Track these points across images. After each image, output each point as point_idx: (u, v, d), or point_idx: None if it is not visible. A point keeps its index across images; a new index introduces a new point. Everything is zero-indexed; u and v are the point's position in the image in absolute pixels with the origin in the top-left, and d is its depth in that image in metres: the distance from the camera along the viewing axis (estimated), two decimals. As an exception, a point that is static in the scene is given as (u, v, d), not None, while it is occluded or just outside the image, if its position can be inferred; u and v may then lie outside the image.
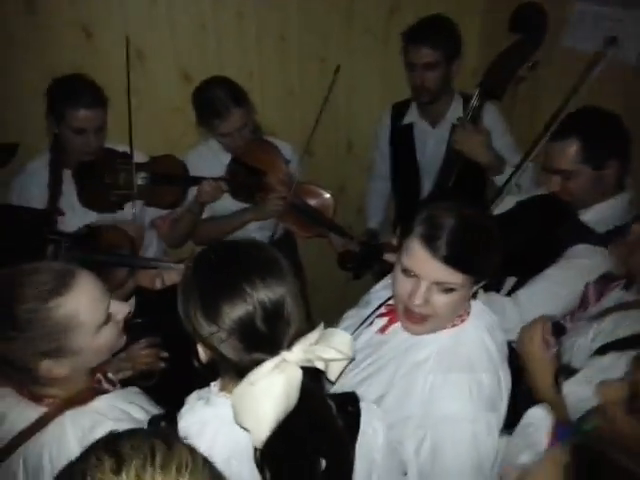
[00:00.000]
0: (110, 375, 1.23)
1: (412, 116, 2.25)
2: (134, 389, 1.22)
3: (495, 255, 1.09)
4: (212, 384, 0.97)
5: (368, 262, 1.69)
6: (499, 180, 1.91)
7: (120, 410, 1.08)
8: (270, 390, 0.80)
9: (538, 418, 1.12)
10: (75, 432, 1.01)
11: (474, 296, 1.19)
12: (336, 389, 1.22)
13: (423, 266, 1.05)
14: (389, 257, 1.60)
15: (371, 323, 1.30)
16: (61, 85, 1.77)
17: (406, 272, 1.09)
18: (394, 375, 1.16)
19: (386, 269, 1.83)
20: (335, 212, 2.18)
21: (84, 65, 2.01)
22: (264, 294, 0.85)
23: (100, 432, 0.97)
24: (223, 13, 2.12)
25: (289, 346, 0.86)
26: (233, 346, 0.85)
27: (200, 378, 0.97)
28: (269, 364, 0.82)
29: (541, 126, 2.06)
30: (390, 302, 1.30)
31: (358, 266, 1.66)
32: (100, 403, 1.08)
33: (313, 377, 0.90)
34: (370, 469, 0.99)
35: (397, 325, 1.21)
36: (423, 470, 1.08)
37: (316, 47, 2.32)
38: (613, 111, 1.49)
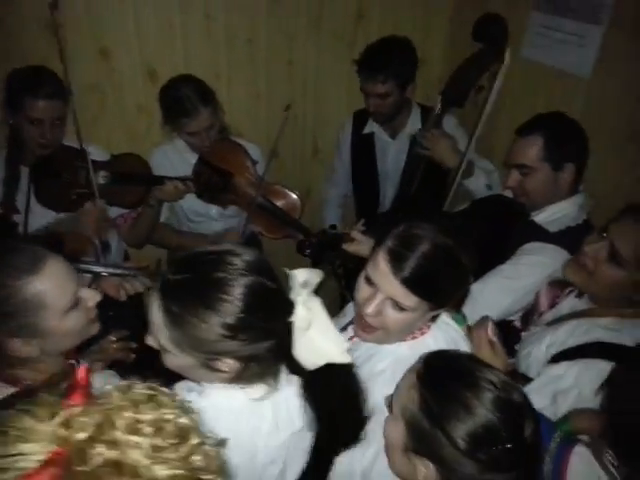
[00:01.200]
0: (82, 362, 1.23)
1: (372, 126, 2.29)
2: (110, 372, 1.23)
3: (458, 287, 1.10)
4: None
5: (326, 248, 1.71)
6: (470, 183, 1.97)
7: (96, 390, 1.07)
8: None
9: None
10: None
11: (434, 319, 1.18)
12: None
13: (383, 280, 1.04)
14: (347, 247, 1.62)
15: (345, 329, 1.31)
16: (22, 75, 1.72)
17: (368, 280, 1.09)
18: None
19: (344, 258, 1.86)
20: (301, 214, 2.19)
21: (46, 62, 1.96)
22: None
23: None
24: (191, 13, 2.10)
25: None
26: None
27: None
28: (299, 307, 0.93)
29: (501, 132, 2.16)
30: None
31: (316, 252, 1.67)
32: None
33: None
34: None
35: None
36: (365, 473, 1.09)
37: (284, 50, 2.33)
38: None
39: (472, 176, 1.96)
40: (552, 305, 1.48)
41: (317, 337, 0.91)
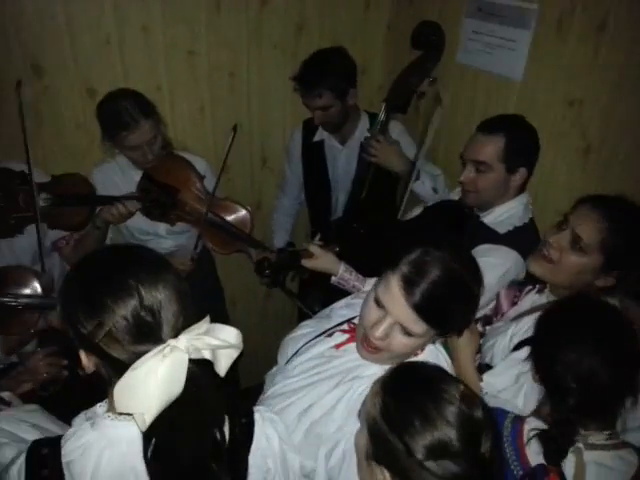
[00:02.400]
0: (3, 394, 1.18)
1: (322, 134, 2.32)
2: (30, 407, 1.14)
3: (468, 314, 1.12)
4: (98, 405, 0.95)
5: (285, 267, 1.70)
6: (416, 187, 2.01)
7: (6, 432, 1.00)
8: (155, 372, 0.79)
9: None
10: None
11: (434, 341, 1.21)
12: (275, 390, 1.23)
13: (394, 304, 1.05)
14: (306, 262, 1.63)
15: (331, 335, 1.31)
16: None
17: (378, 302, 1.09)
18: (333, 387, 1.17)
19: (303, 276, 1.86)
20: (253, 226, 2.17)
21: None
22: (148, 288, 0.85)
23: None
24: (128, 27, 2.06)
25: (175, 337, 0.85)
26: (119, 340, 0.84)
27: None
28: (153, 350, 0.81)
29: (442, 135, 2.22)
30: (355, 321, 1.30)
31: (275, 271, 1.67)
32: None
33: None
34: (265, 477, 1.01)
35: (352, 345, 1.22)
36: (332, 475, 1.09)
37: (225, 62, 2.32)
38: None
39: (419, 180, 2.01)
40: (512, 304, 1.53)
41: (143, 381, 0.80)
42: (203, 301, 2.43)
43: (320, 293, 2.26)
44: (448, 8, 2.15)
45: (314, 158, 2.36)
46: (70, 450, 0.89)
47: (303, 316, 2.23)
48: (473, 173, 1.62)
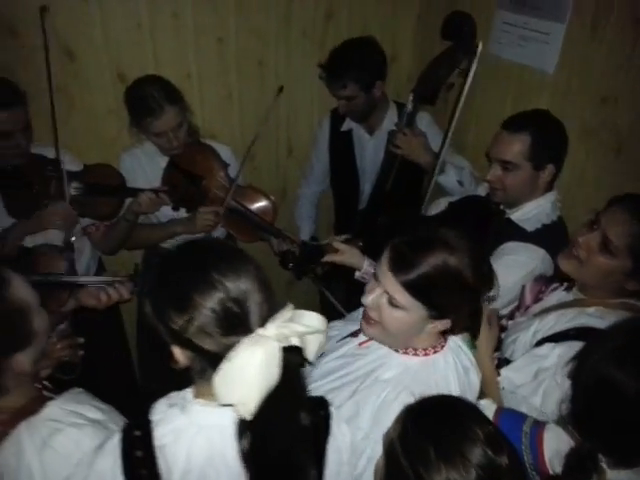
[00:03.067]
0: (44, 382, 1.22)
1: (350, 123, 2.30)
2: (77, 389, 1.20)
3: (460, 304, 1.11)
4: (186, 391, 0.97)
5: (309, 261, 1.71)
6: (441, 179, 1.99)
7: (75, 413, 1.07)
8: (250, 360, 0.81)
9: (484, 406, 1.20)
10: (33, 444, 0.99)
11: (449, 332, 1.19)
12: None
13: (381, 272, 1.11)
14: (330, 257, 1.64)
15: (356, 335, 1.32)
16: None
17: (375, 275, 1.15)
18: (352, 393, 1.18)
19: (328, 270, 1.87)
20: (276, 215, 2.18)
21: (8, 65, 1.92)
22: (233, 280, 0.87)
23: (60, 440, 1.00)
24: (159, 13, 2.07)
25: (262, 325, 0.87)
26: (210, 334, 0.86)
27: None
28: (245, 341, 0.83)
29: (471, 127, 2.19)
30: None
31: (299, 265, 1.68)
32: (52, 410, 1.06)
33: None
34: (339, 470, 1.02)
35: (374, 342, 1.24)
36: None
37: (254, 50, 2.32)
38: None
39: (444, 173, 1.99)
40: (536, 300, 1.52)
41: (242, 370, 0.82)
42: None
43: (343, 284, 2.27)
44: (481, -2, 2.10)
45: (342, 147, 2.35)
46: (162, 434, 0.91)
47: (326, 303, 2.25)
48: (500, 171, 1.60)
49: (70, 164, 1.85)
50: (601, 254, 1.27)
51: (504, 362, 1.43)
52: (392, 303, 1.09)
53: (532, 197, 1.63)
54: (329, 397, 1.15)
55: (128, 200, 1.96)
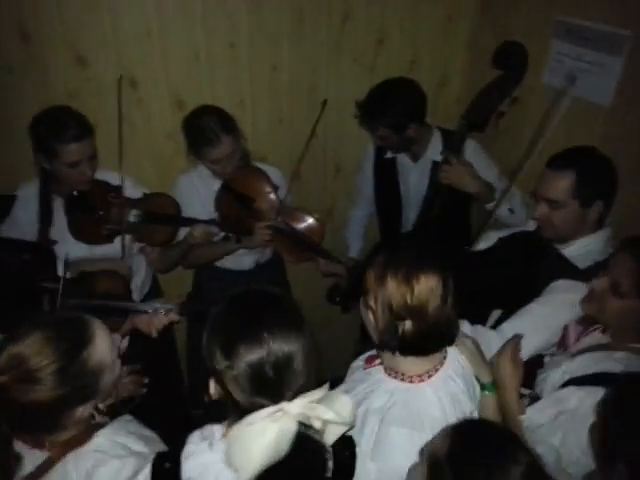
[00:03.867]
0: (100, 405, 1.26)
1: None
2: (127, 417, 1.25)
3: None
4: (218, 426, 1.02)
5: (354, 295, 1.75)
6: (491, 207, 1.99)
7: (120, 445, 1.12)
8: (262, 435, 0.86)
9: None
10: (78, 475, 1.05)
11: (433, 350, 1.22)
12: None
13: None
14: None
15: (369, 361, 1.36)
16: (45, 121, 1.73)
17: None
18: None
19: None
20: (324, 236, 2.23)
21: (79, 94, 2.06)
22: (279, 344, 0.92)
23: (103, 471, 1.04)
24: (216, 43, 2.17)
25: (292, 399, 0.91)
26: (241, 386, 0.92)
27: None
28: (268, 410, 0.88)
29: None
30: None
31: (345, 299, 1.72)
32: (100, 440, 1.12)
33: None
34: None
35: (374, 367, 1.28)
36: None
37: (305, 76, 2.38)
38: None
39: (494, 201, 1.98)
40: (577, 340, 1.51)
41: (250, 442, 0.87)
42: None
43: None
44: (534, 27, 2.09)
45: (386, 174, 2.38)
46: (190, 468, 0.97)
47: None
48: (546, 210, 1.58)
49: (131, 190, 1.95)
50: (612, 297, 1.30)
51: (534, 399, 1.43)
52: None
53: (583, 233, 1.61)
54: None
55: (182, 228, 2.05)
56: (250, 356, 0.90)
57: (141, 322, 1.66)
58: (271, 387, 0.91)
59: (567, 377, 1.35)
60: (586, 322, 1.53)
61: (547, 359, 1.55)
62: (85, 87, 2.08)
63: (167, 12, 2.06)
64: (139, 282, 2.14)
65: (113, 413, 1.24)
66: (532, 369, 1.50)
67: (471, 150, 2.14)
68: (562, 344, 1.54)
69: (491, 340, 1.51)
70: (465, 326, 1.52)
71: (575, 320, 1.53)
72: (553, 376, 1.40)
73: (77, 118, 1.77)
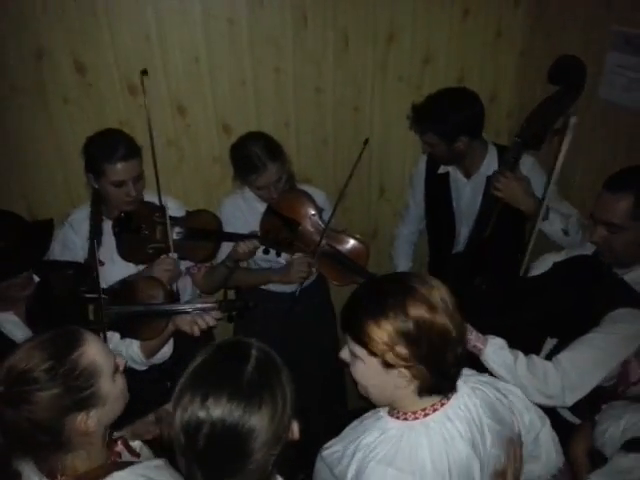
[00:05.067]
0: (133, 444, 1.25)
1: (447, 167, 2.26)
2: (155, 462, 1.19)
3: None
4: None
5: None
6: (545, 227, 1.90)
7: None
8: None
9: None
10: None
11: (423, 393, 1.10)
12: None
13: None
14: None
15: None
16: (96, 142, 1.81)
17: None
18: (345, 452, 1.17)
19: None
20: (368, 259, 2.20)
21: (128, 121, 2.12)
22: (225, 412, 0.88)
23: None
24: (261, 68, 2.20)
25: None
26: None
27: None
28: None
29: (579, 173, 2.06)
30: None
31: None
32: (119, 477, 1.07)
33: None
34: None
35: None
36: None
37: (350, 97, 2.37)
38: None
39: (548, 220, 1.89)
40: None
41: None
42: (317, 326, 2.51)
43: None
44: (590, 38, 2.00)
45: (438, 189, 2.32)
46: None
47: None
48: (605, 233, 1.49)
49: (174, 210, 1.99)
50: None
51: (596, 454, 1.32)
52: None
53: None
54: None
55: (225, 244, 2.07)
56: (182, 416, 0.88)
57: (183, 322, 1.67)
58: (201, 463, 0.88)
59: (629, 435, 1.24)
60: None
61: (604, 407, 1.43)
62: (136, 115, 2.14)
63: (214, 39, 2.11)
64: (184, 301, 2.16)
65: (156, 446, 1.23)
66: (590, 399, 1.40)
67: (529, 166, 2.05)
68: (624, 380, 1.42)
69: (547, 372, 1.42)
70: (520, 358, 1.43)
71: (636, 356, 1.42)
72: (613, 431, 1.30)
73: (126, 140, 1.83)
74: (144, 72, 1.88)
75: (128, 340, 1.76)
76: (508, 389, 1.29)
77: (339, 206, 2.11)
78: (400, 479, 1.04)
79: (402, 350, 1.01)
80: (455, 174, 2.26)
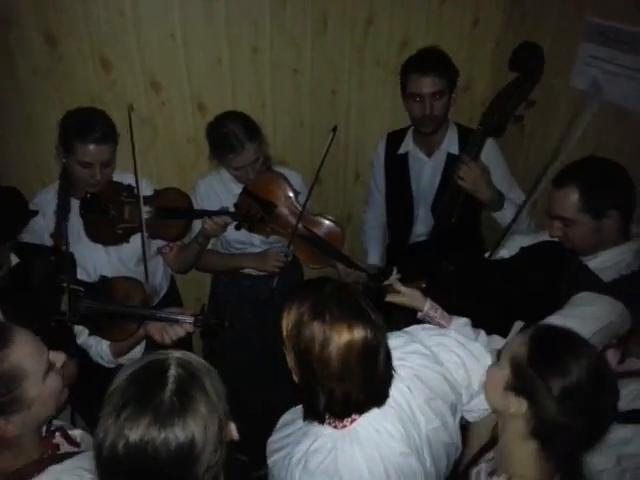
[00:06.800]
0: (73, 433, 1.20)
1: (408, 146, 2.27)
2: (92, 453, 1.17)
3: None
4: None
5: (376, 303, 1.72)
6: (499, 217, 1.94)
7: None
8: None
9: None
10: None
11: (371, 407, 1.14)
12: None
13: None
14: (391, 298, 1.64)
15: None
16: (75, 118, 1.77)
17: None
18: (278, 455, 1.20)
19: (389, 311, 1.87)
20: (344, 242, 2.21)
21: (100, 97, 2.07)
22: (140, 437, 0.83)
23: None
24: (238, 47, 2.16)
25: None
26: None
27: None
28: None
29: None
30: None
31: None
32: (47, 477, 1.03)
33: None
34: None
35: None
36: None
37: (328, 80, 2.36)
38: (617, 162, 1.51)
39: (502, 209, 1.94)
40: (621, 362, 1.45)
41: None
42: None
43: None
44: (564, 29, 2.03)
45: (397, 171, 2.33)
46: None
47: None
48: (560, 226, 1.55)
49: (143, 189, 1.94)
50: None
51: None
52: None
53: (607, 245, 1.54)
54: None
55: (195, 222, 2.05)
56: (106, 444, 0.84)
57: (155, 330, 1.63)
58: None
59: (621, 406, 1.28)
60: (621, 345, 1.47)
61: None
62: (108, 91, 2.09)
63: (190, 16, 2.06)
64: (156, 285, 2.14)
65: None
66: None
67: (490, 152, 2.08)
68: None
69: None
70: (481, 336, 1.48)
71: (612, 346, 1.47)
72: None
73: (105, 123, 1.78)
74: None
75: (99, 337, 1.73)
76: (434, 342, 1.33)
77: (314, 189, 2.11)
78: None
79: None
80: (416, 153, 2.26)
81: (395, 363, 1.17)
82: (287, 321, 1.11)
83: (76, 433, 1.21)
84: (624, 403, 1.26)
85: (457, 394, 1.28)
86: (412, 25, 2.36)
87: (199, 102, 2.22)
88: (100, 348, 1.71)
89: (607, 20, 1.84)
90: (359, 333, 1.03)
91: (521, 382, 1.08)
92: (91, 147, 1.74)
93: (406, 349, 1.27)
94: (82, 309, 1.58)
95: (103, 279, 1.74)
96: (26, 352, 1.02)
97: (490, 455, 1.23)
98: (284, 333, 1.11)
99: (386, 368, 1.11)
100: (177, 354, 0.94)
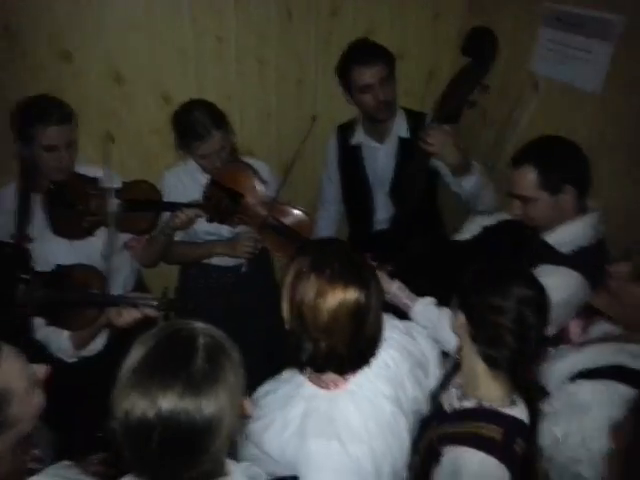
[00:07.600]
0: (36, 452, 1.17)
1: (359, 136, 2.29)
2: (65, 463, 1.12)
3: None
4: None
5: None
6: (465, 181, 1.94)
7: None
8: None
9: None
10: None
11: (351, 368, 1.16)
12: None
13: None
14: None
15: None
16: (28, 106, 1.74)
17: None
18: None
19: None
20: (312, 231, 2.21)
21: (62, 89, 2.03)
22: (173, 407, 0.82)
23: None
24: (203, 37, 2.15)
25: None
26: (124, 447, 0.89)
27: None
28: None
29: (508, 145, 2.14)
30: None
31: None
32: None
33: None
34: None
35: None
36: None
37: (293, 70, 2.37)
38: (571, 140, 1.56)
39: (471, 174, 1.93)
40: (583, 333, 1.49)
41: None
42: (260, 299, 2.47)
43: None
44: (523, 16, 2.07)
45: (351, 162, 2.34)
46: None
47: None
48: (521, 205, 1.59)
49: (110, 181, 1.91)
50: (633, 284, 1.25)
51: (540, 391, 1.40)
52: None
53: (565, 220, 1.58)
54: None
55: (165, 215, 2.03)
56: (133, 415, 0.82)
57: (112, 312, 1.60)
58: (159, 463, 0.84)
59: (574, 370, 1.32)
60: (586, 313, 1.50)
61: (552, 351, 1.51)
62: (70, 82, 2.05)
63: (154, 6, 2.04)
64: (121, 282, 2.09)
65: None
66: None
67: None
68: (565, 340, 1.51)
69: None
70: (444, 312, 1.50)
71: (576, 315, 1.51)
72: (560, 367, 1.38)
73: (60, 104, 1.76)
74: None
75: (59, 329, 1.70)
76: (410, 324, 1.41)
77: (283, 180, 2.11)
78: (344, 450, 1.07)
79: None
80: (368, 143, 2.28)
81: (386, 334, 1.19)
82: (289, 270, 1.11)
83: (37, 452, 1.17)
84: (580, 365, 1.30)
85: (426, 371, 1.34)
86: (376, 16, 2.37)
87: (164, 93, 2.20)
88: (60, 340, 1.68)
89: (563, 5, 1.88)
90: (353, 294, 1.04)
91: (468, 307, 1.21)
92: (54, 128, 1.72)
93: (392, 323, 1.32)
94: (39, 299, 1.55)
95: (59, 267, 1.70)
96: (13, 372, 0.99)
97: (458, 380, 1.29)
98: (284, 281, 1.12)
99: (374, 332, 1.12)
100: (199, 324, 0.94)
